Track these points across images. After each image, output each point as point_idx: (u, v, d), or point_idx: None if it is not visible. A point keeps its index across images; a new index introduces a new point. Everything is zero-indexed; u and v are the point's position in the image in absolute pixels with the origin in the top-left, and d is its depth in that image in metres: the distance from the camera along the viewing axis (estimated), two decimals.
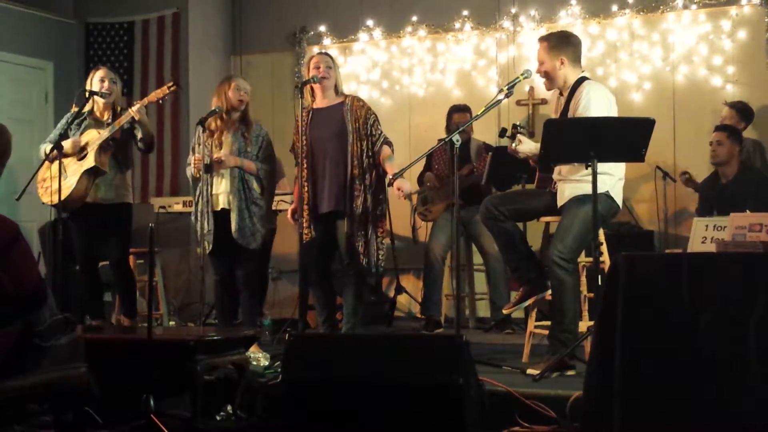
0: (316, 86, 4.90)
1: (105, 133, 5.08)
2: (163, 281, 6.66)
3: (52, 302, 3.03)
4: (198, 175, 4.98)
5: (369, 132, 4.83)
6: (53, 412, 3.19)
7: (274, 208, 5.85)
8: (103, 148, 5.07)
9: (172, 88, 5.18)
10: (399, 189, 4.65)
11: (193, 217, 5.11)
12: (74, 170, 5.09)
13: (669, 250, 5.99)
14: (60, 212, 5.03)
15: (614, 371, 2.97)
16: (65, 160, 5.04)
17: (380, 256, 4.83)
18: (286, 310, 6.54)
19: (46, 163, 5.11)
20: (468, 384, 3.37)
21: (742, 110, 5.96)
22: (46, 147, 5.14)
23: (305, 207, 4.85)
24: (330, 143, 4.85)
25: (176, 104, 7.53)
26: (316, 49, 7.57)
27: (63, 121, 5.33)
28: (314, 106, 4.96)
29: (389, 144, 4.86)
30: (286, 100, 7.38)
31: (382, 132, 4.87)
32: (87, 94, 5.24)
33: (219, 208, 5.00)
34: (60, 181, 4.91)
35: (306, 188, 4.87)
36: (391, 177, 4.65)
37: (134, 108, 5.05)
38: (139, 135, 5.16)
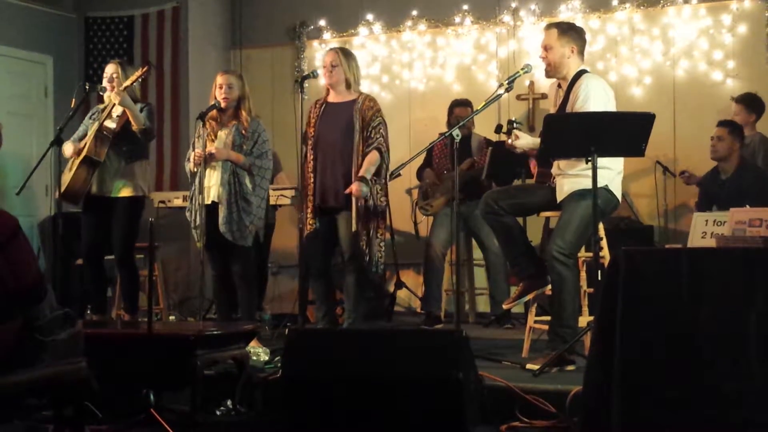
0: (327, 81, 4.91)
1: (96, 124, 5.08)
2: (163, 276, 6.66)
3: (52, 297, 3.03)
4: (195, 171, 4.98)
5: (369, 134, 4.81)
6: (53, 407, 3.19)
7: (273, 203, 5.85)
8: (99, 138, 5.06)
9: (144, 69, 5.17)
10: (353, 191, 4.68)
11: (187, 212, 5.09)
12: (75, 163, 5.10)
13: (669, 245, 5.97)
14: (60, 206, 5.03)
15: (614, 366, 2.97)
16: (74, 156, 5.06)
17: (380, 256, 4.84)
18: (286, 305, 6.55)
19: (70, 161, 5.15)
20: (468, 379, 3.38)
21: (750, 103, 5.91)
22: (65, 146, 5.15)
23: (309, 199, 4.87)
24: (337, 139, 4.84)
25: (176, 98, 7.53)
26: (315, 44, 7.60)
27: (85, 118, 5.33)
28: (328, 100, 4.96)
29: (379, 150, 4.80)
30: (286, 94, 7.36)
31: (380, 138, 4.81)
32: (87, 88, 5.24)
33: (209, 201, 4.97)
34: (59, 174, 4.93)
35: (311, 180, 4.88)
36: (358, 176, 4.69)
37: (112, 93, 5.04)
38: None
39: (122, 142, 5.15)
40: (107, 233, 5.21)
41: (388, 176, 4.89)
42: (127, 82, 5.09)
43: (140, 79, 5.17)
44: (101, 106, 5.30)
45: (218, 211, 4.94)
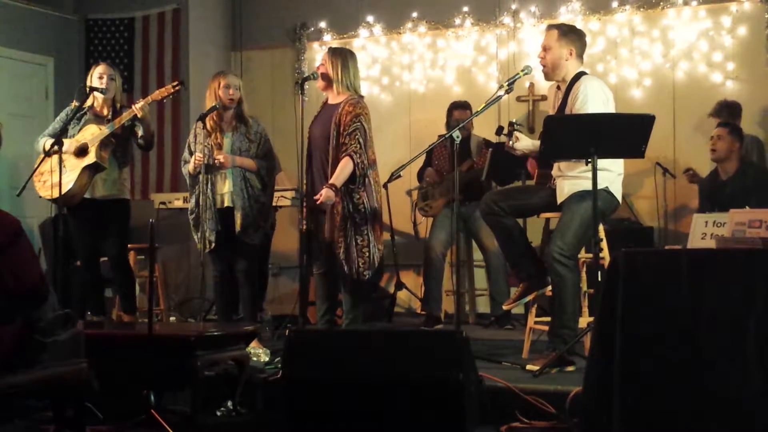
0: None
1: (106, 129, 5.09)
2: (164, 277, 6.67)
3: (53, 298, 3.04)
4: (195, 173, 4.99)
5: (344, 140, 4.68)
6: (54, 408, 3.20)
7: (273, 203, 5.85)
8: (104, 144, 5.10)
9: (176, 87, 5.18)
10: (319, 197, 4.60)
11: (191, 215, 5.10)
12: (73, 165, 5.08)
13: (669, 246, 5.96)
14: (60, 208, 5.03)
15: (614, 367, 2.98)
16: (64, 155, 5.03)
17: (361, 264, 4.70)
18: (287, 306, 6.54)
19: (46, 157, 5.10)
20: (468, 380, 3.38)
21: (727, 112, 5.90)
22: (45, 141, 5.10)
23: (305, 199, 4.88)
24: (320, 142, 4.82)
25: (177, 100, 7.50)
26: (316, 46, 7.60)
27: (62, 114, 5.33)
28: (328, 101, 4.95)
29: (351, 157, 4.64)
30: (286, 96, 7.38)
31: (354, 145, 4.64)
32: (87, 90, 5.24)
33: (223, 206, 5.01)
34: (60, 176, 4.89)
35: (306, 180, 4.89)
36: (327, 183, 4.62)
37: (137, 105, 5.07)
38: (140, 132, 5.18)
39: (118, 148, 5.23)
40: (101, 236, 5.25)
41: (362, 181, 4.72)
42: (156, 96, 5.15)
43: (171, 96, 5.24)
44: (85, 107, 5.26)
45: (230, 214, 4.98)
